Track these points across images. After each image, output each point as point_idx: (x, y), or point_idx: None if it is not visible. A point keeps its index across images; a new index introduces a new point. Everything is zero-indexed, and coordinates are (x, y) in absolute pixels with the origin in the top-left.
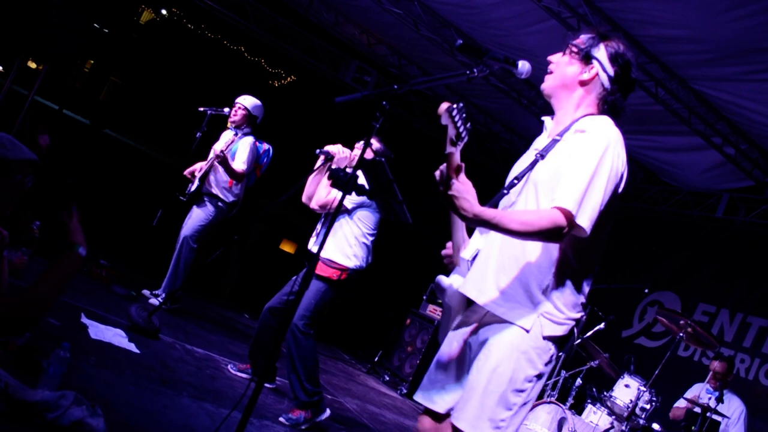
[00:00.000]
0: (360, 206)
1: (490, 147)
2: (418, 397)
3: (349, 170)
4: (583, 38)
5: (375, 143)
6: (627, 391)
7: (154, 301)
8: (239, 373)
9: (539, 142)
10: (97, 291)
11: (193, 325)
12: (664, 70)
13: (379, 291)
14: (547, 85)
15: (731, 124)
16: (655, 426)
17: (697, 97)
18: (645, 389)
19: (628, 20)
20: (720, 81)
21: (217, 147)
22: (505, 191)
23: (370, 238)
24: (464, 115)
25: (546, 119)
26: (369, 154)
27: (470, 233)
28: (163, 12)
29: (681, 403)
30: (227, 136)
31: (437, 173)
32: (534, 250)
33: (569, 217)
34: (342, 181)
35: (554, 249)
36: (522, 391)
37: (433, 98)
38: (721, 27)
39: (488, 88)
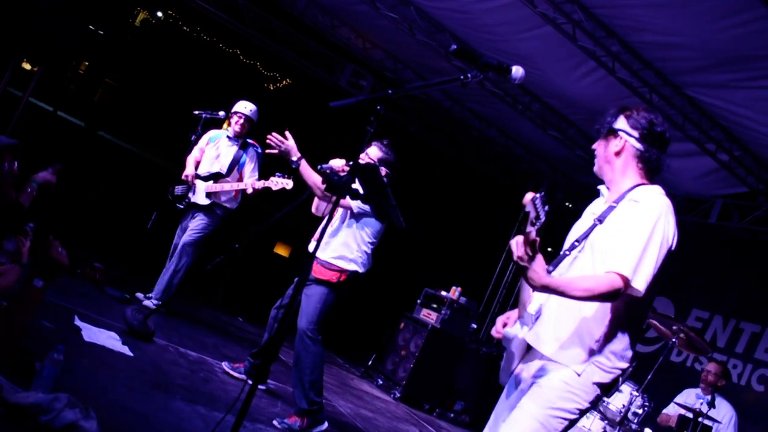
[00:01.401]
0: (366, 213)
1: (485, 152)
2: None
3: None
4: (606, 119)
5: (378, 152)
6: (619, 396)
7: (148, 303)
8: (232, 371)
9: (596, 207)
10: (91, 293)
11: (186, 328)
12: (659, 76)
13: (373, 294)
14: (596, 167)
15: (725, 130)
16: (648, 431)
17: (691, 104)
18: (638, 394)
19: (623, 26)
20: (714, 88)
21: (224, 157)
22: (567, 252)
23: (372, 246)
24: (545, 200)
25: (602, 188)
26: (367, 160)
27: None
28: (159, 14)
29: (670, 409)
30: (225, 144)
31: (512, 243)
32: (589, 306)
33: (625, 281)
34: (336, 185)
35: (607, 305)
36: (565, 419)
37: (428, 102)
38: (715, 34)
39: (483, 92)
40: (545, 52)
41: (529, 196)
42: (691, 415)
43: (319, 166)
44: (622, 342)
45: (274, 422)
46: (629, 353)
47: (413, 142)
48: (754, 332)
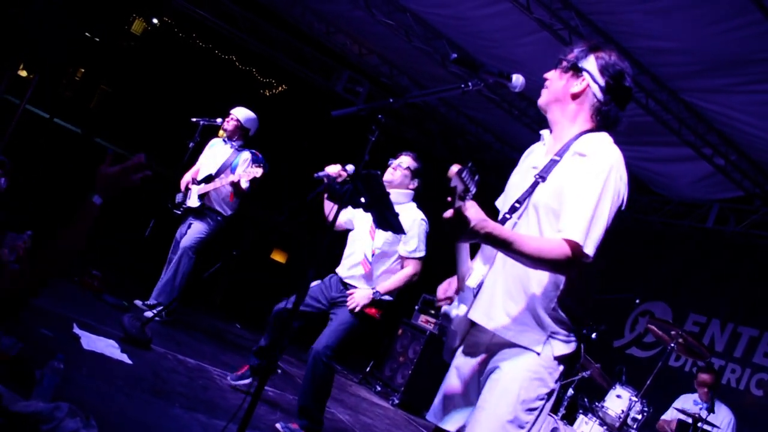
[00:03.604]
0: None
1: (481, 157)
2: (430, 417)
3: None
4: (574, 51)
5: (413, 162)
6: (618, 401)
7: (149, 313)
8: (239, 381)
9: (537, 159)
10: (89, 301)
11: (184, 336)
12: (655, 81)
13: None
14: (542, 100)
15: (721, 135)
16: None
17: (688, 108)
18: (636, 399)
19: (620, 32)
20: (710, 92)
21: (217, 159)
22: (508, 215)
23: None
24: (473, 171)
25: (544, 133)
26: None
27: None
28: (155, 21)
29: (668, 416)
30: (221, 147)
31: (446, 215)
32: (538, 273)
33: (577, 248)
34: (338, 194)
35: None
36: (534, 409)
37: (425, 109)
38: (711, 39)
39: (479, 98)
40: (542, 58)
41: (454, 169)
42: (690, 421)
43: (315, 175)
44: (575, 306)
45: (278, 426)
46: (580, 315)
47: (410, 149)
48: (752, 336)
